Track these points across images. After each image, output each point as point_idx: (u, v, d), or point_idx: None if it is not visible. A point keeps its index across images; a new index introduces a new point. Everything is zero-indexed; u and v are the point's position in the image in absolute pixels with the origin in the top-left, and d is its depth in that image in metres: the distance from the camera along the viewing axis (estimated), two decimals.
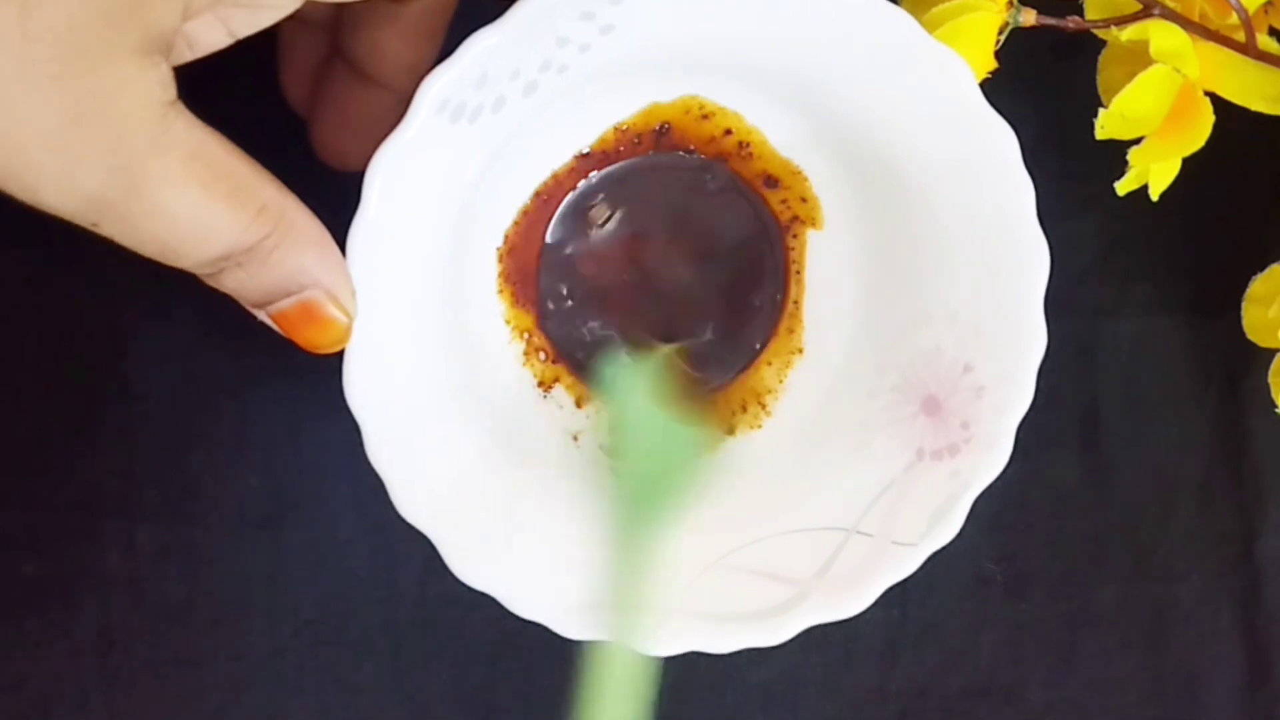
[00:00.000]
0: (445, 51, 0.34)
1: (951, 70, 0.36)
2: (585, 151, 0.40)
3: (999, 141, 0.37)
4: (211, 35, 0.32)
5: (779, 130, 0.40)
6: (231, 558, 0.44)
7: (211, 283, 0.33)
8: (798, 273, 0.42)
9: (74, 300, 0.43)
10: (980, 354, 0.39)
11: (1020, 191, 0.37)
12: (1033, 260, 0.38)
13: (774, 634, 0.39)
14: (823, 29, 0.36)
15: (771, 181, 0.41)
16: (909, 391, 0.40)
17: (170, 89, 0.30)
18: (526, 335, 0.42)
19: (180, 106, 0.31)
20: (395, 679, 0.44)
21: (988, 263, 0.38)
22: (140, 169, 0.30)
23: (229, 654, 0.44)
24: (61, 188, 0.29)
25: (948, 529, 0.39)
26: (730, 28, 0.36)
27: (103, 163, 0.29)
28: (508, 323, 0.41)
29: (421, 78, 0.34)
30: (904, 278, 0.40)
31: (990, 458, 0.38)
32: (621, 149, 0.40)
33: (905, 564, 0.39)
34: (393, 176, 0.34)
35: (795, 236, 0.42)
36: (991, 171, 0.37)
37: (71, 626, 0.43)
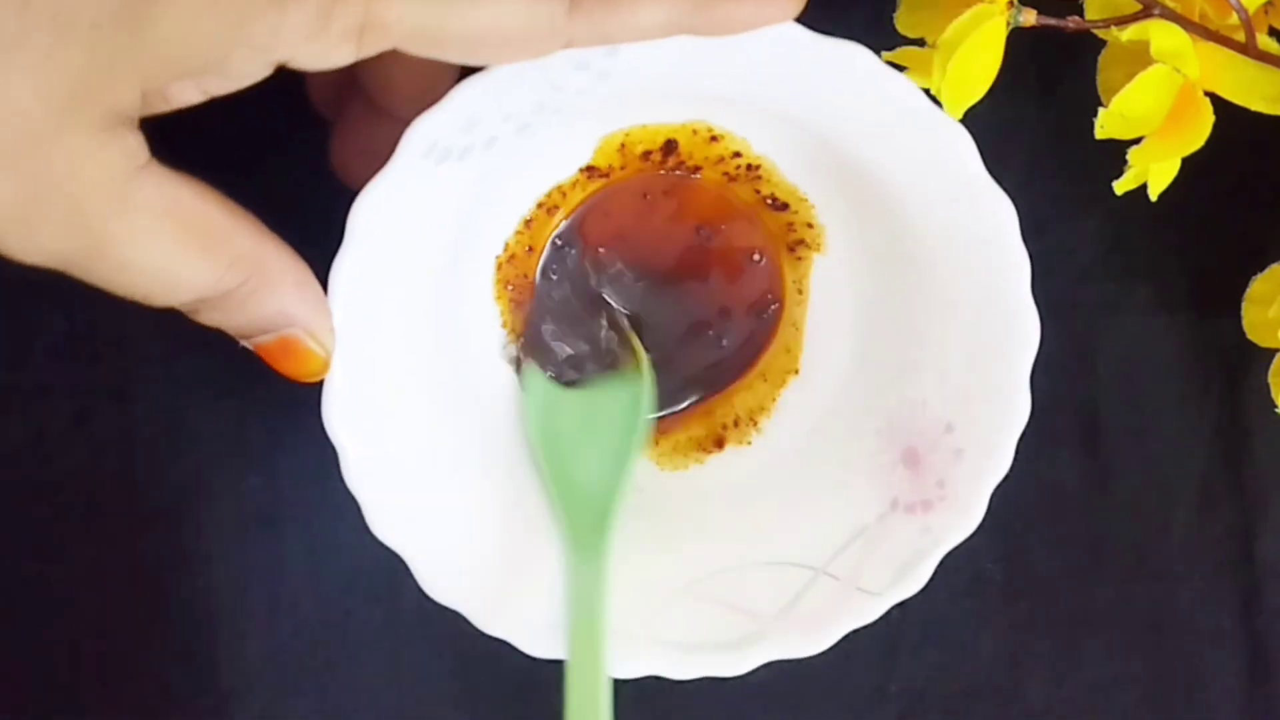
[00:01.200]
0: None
1: (954, 140, 0.36)
2: (590, 165, 0.40)
3: (997, 213, 0.36)
4: (186, 95, 0.32)
5: (787, 159, 0.40)
6: (231, 558, 0.44)
7: (192, 318, 0.34)
8: (799, 291, 0.42)
9: (73, 300, 0.43)
10: (963, 416, 0.39)
11: (1015, 265, 0.37)
12: (1022, 334, 0.37)
13: (734, 666, 0.39)
14: (827, 91, 0.36)
15: (779, 204, 0.41)
16: (891, 437, 0.40)
17: (139, 155, 0.31)
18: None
19: (152, 167, 0.31)
20: (395, 679, 0.44)
21: (980, 327, 0.38)
22: (102, 233, 0.31)
23: (229, 654, 0.44)
24: (26, 249, 0.31)
25: (913, 583, 0.39)
26: (732, 78, 0.36)
27: (63, 229, 0.31)
28: (504, 327, 0.41)
29: None
30: (900, 323, 0.40)
31: (962, 520, 0.39)
32: (626, 165, 0.40)
33: (867, 612, 0.39)
34: (376, 217, 0.34)
35: (800, 259, 0.42)
36: (988, 241, 0.37)
37: (71, 626, 0.43)
